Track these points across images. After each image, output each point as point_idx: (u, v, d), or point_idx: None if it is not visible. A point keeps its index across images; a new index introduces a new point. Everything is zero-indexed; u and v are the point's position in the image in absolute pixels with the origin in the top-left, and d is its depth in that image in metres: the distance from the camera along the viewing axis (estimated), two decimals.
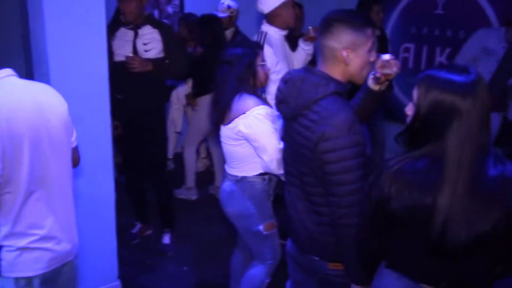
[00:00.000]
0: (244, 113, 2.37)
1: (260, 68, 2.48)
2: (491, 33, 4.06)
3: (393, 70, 1.90)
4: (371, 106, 2.07)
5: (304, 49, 3.45)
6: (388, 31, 5.14)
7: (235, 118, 2.39)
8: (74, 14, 2.60)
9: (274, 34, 3.22)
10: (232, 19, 4.61)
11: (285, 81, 1.88)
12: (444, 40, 4.83)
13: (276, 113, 2.32)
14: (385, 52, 4.50)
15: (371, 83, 2.00)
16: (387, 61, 1.90)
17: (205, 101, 4.13)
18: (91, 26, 2.68)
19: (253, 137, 2.37)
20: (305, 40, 3.41)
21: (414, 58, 5.13)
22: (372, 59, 1.81)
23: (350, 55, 1.74)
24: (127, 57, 3.30)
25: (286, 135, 1.93)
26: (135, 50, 3.37)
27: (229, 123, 2.43)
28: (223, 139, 2.53)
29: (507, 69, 3.96)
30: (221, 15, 4.52)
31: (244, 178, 2.51)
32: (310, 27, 3.34)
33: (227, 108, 2.41)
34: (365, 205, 1.59)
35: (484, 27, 4.18)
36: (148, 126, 3.54)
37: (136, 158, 3.67)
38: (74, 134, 1.97)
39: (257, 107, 2.37)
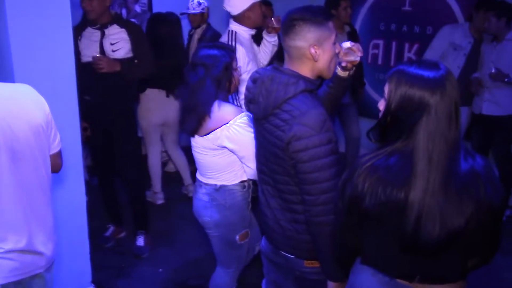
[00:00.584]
0: (226, 123, 2.26)
1: (235, 73, 2.39)
2: (457, 28, 4.16)
3: (357, 55, 1.93)
4: (340, 93, 2.09)
5: (269, 41, 3.41)
6: (357, 27, 5.18)
7: (216, 128, 2.27)
8: (39, 14, 2.54)
9: (243, 33, 3.21)
10: (204, 16, 4.57)
11: (253, 80, 1.86)
12: (413, 36, 4.90)
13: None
14: None
15: (338, 71, 2.01)
16: (349, 48, 1.93)
17: (146, 97, 4.10)
18: (57, 27, 2.62)
19: (238, 148, 2.27)
20: (269, 32, 3.37)
21: (384, 54, 5.19)
22: (337, 50, 1.83)
23: (318, 51, 1.74)
24: (94, 57, 3.24)
25: (257, 135, 1.91)
26: (102, 50, 3.31)
27: (207, 133, 2.29)
28: (198, 149, 2.40)
29: (475, 63, 4.07)
30: (192, 11, 4.49)
31: (223, 186, 2.41)
32: (272, 18, 3.33)
33: (206, 116, 2.27)
34: (339, 202, 1.58)
35: (449, 23, 4.27)
36: (117, 127, 3.48)
37: (107, 159, 3.62)
38: (58, 139, 1.89)
39: (239, 116, 2.27)
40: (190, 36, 4.64)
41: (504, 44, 3.87)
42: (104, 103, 3.40)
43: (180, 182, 4.67)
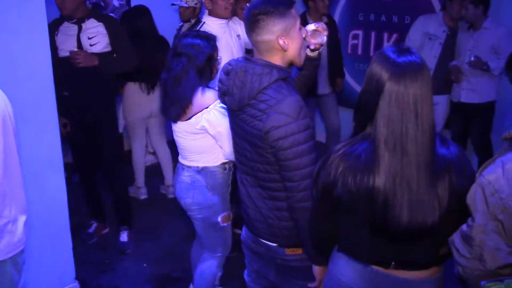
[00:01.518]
0: (207, 107, 2.34)
1: (217, 62, 2.45)
2: (431, 18, 4.19)
3: (323, 36, 1.95)
4: (311, 73, 2.11)
5: None
6: (336, 18, 5.20)
7: (197, 112, 2.34)
8: (13, 8, 2.50)
9: (211, 24, 3.22)
10: (196, 11, 4.39)
11: (226, 72, 1.86)
12: (391, 26, 4.93)
13: None
14: (335, 39, 4.55)
15: (308, 51, 2.02)
16: (314, 30, 1.94)
17: (131, 89, 4.08)
18: (32, 21, 2.59)
19: (217, 130, 2.34)
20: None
21: (363, 45, 5.22)
22: (303, 35, 1.84)
23: (286, 41, 1.75)
24: (71, 51, 3.20)
25: (234, 126, 1.92)
26: (79, 45, 3.27)
27: (189, 118, 2.37)
28: (180, 134, 2.47)
29: (452, 52, 4.11)
30: (183, 4, 4.44)
31: (205, 168, 2.49)
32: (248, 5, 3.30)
33: (190, 104, 2.34)
34: (313, 190, 1.60)
35: (423, 14, 4.30)
36: (97, 122, 3.46)
37: (88, 155, 3.59)
38: None
39: (217, 101, 2.32)
40: (178, 31, 4.59)
41: (480, 32, 3.91)
42: (83, 98, 3.37)
43: (157, 178, 4.64)
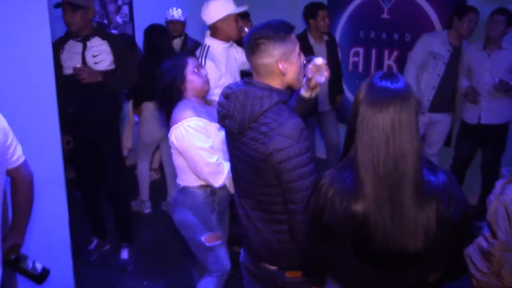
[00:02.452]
0: (176, 123, 2.38)
1: (195, 76, 2.49)
2: (435, 37, 4.16)
3: (323, 76, 1.97)
4: (301, 112, 2.11)
5: None
6: (337, 35, 5.25)
7: (171, 127, 2.42)
8: (18, 27, 2.53)
9: (217, 47, 3.20)
10: (183, 27, 4.62)
11: (226, 96, 1.88)
12: (392, 43, 4.97)
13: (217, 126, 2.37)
14: (335, 56, 4.60)
15: (302, 91, 2.06)
16: (320, 65, 1.97)
17: (148, 109, 4.13)
18: (36, 39, 2.62)
19: (182, 150, 2.39)
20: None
21: (364, 62, 5.25)
22: (302, 60, 1.87)
23: (285, 65, 1.78)
24: (75, 68, 3.23)
25: (234, 150, 1.92)
26: (84, 62, 3.29)
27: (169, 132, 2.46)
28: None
29: (454, 71, 4.09)
30: (177, 18, 4.51)
31: (185, 188, 2.53)
32: (244, 28, 3.29)
33: (166, 119, 2.48)
34: (304, 215, 1.59)
35: (427, 32, 4.30)
36: (101, 139, 3.47)
37: (91, 172, 3.60)
38: (17, 154, 1.93)
39: (189, 119, 2.35)
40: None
41: (499, 53, 3.85)
42: (88, 115, 3.39)
43: (160, 195, 4.65)
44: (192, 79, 2.48)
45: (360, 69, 5.29)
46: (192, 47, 4.35)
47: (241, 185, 1.94)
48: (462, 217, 1.40)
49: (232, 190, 2.32)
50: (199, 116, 2.39)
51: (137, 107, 4.33)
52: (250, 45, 1.79)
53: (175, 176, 4.34)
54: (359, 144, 1.40)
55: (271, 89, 1.78)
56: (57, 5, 3.17)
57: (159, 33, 4.11)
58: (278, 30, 1.77)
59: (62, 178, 2.86)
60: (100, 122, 3.45)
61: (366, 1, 5.09)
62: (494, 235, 1.35)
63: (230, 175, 2.15)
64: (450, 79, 4.09)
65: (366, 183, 1.38)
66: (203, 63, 3.05)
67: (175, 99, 2.46)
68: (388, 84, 1.40)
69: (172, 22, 4.58)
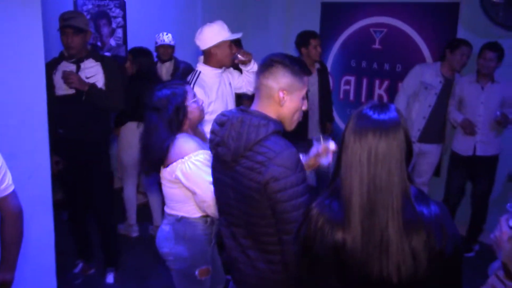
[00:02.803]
0: (182, 158, 2.29)
1: (193, 106, 2.41)
2: (427, 68, 4.22)
3: (327, 161, 2.03)
4: None
5: (246, 69, 3.36)
6: (329, 64, 5.32)
7: (173, 161, 2.31)
8: (12, 47, 2.53)
9: (208, 73, 3.17)
10: (173, 51, 4.66)
11: (220, 123, 1.85)
12: (383, 73, 5.05)
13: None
14: (327, 85, 4.65)
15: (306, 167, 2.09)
16: (330, 150, 2.01)
17: (127, 130, 4.13)
18: (29, 60, 2.62)
19: (190, 184, 2.29)
20: (241, 64, 3.33)
21: (355, 90, 5.32)
22: (304, 107, 1.88)
23: (286, 97, 1.79)
24: (65, 71, 3.22)
25: (225, 178, 1.88)
26: None
27: (167, 166, 2.33)
28: (162, 180, 2.43)
29: (446, 103, 4.15)
30: (167, 43, 4.54)
31: (184, 218, 2.41)
32: (237, 54, 3.28)
33: (165, 154, 2.31)
34: (294, 245, 1.56)
35: (418, 63, 4.39)
36: (90, 161, 3.45)
37: (79, 194, 3.57)
38: (6, 181, 1.85)
39: (196, 153, 2.29)
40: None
41: (493, 85, 3.91)
42: (78, 137, 3.38)
43: (147, 219, 4.58)
44: (192, 110, 2.41)
45: (351, 97, 5.35)
46: (185, 70, 4.39)
47: (233, 214, 1.90)
48: (454, 250, 1.38)
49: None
50: (201, 147, 2.34)
51: (117, 128, 4.27)
52: (264, 64, 1.83)
53: (158, 200, 4.40)
54: (342, 172, 1.40)
55: (267, 118, 1.77)
56: (62, 28, 3.21)
57: (143, 55, 4.14)
58: (296, 64, 1.81)
59: (49, 200, 2.83)
60: (90, 144, 3.43)
61: (358, 31, 5.19)
62: (509, 276, 1.33)
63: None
64: (441, 110, 4.14)
65: (349, 211, 1.37)
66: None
67: (174, 132, 2.34)
68: (372, 113, 1.40)
69: (162, 46, 4.62)
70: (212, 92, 3.14)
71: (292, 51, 4.76)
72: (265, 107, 1.81)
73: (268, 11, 5.85)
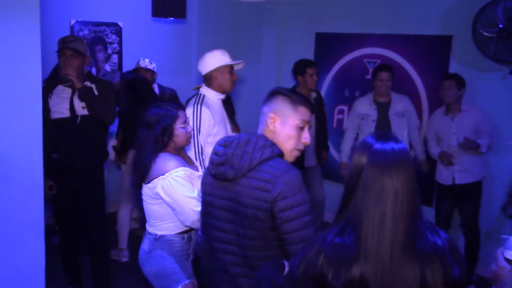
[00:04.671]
0: (163, 175, 2.36)
1: (180, 130, 2.49)
2: (362, 100, 4.51)
3: None
4: None
5: None
6: (323, 93, 5.36)
7: (154, 178, 2.38)
8: (9, 69, 2.52)
9: (212, 97, 3.24)
10: (153, 76, 4.64)
11: (225, 144, 1.89)
12: None
13: (200, 174, 2.41)
14: (322, 113, 4.70)
15: None
16: None
17: (130, 156, 4.10)
18: (26, 83, 2.60)
19: (170, 199, 2.36)
20: None
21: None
22: (304, 140, 1.90)
23: (276, 122, 1.85)
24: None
25: (220, 200, 1.89)
26: (72, 107, 3.29)
27: (149, 182, 2.41)
28: (144, 197, 2.51)
29: (383, 125, 4.32)
30: (151, 67, 4.56)
31: (162, 236, 2.47)
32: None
33: (147, 170, 2.40)
34: (299, 282, 1.47)
35: (407, 92, 4.57)
36: (85, 186, 3.42)
37: (71, 218, 3.52)
38: None
39: (176, 169, 2.37)
40: None
41: (461, 115, 4.05)
42: (72, 162, 3.36)
43: (137, 245, 4.51)
44: (178, 134, 2.49)
45: (345, 126, 5.37)
46: (171, 95, 4.41)
47: (224, 240, 1.88)
48: (466, 278, 1.39)
49: None
50: (183, 165, 2.41)
51: (123, 155, 4.30)
52: (267, 95, 1.92)
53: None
54: (362, 207, 1.37)
55: (273, 142, 1.83)
56: (61, 49, 3.22)
57: (139, 84, 4.16)
58: (294, 95, 1.88)
59: (41, 225, 2.77)
60: (84, 170, 3.40)
61: (351, 62, 5.26)
62: None
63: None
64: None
65: (368, 246, 1.35)
66: (198, 109, 3.10)
67: (157, 151, 2.44)
68: (389, 145, 1.41)
69: (143, 69, 4.58)
70: (216, 115, 3.20)
71: (284, 82, 4.82)
72: (262, 132, 1.87)
73: (261, 42, 5.92)
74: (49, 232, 4.11)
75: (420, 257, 1.35)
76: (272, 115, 1.86)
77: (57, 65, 3.38)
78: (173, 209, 2.38)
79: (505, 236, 1.53)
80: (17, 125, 2.58)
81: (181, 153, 2.58)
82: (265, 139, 1.82)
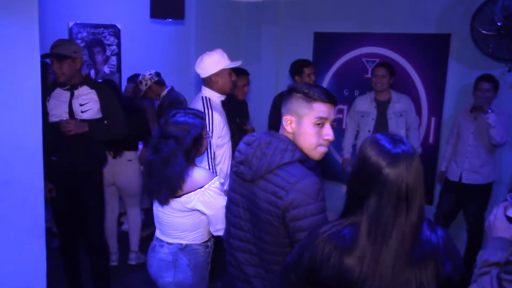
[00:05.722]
0: (201, 187, 2.27)
1: (205, 140, 2.40)
2: (363, 98, 4.52)
3: None
4: None
5: None
6: None
7: (189, 192, 2.27)
8: (8, 73, 2.52)
9: (215, 99, 3.24)
10: (152, 88, 4.47)
11: (247, 142, 1.85)
12: None
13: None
14: None
15: None
16: None
17: (126, 158, 4.14)
18: (25, 86, 2.60)
19: (212, 212, 2.28)
20: None
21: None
22: (327, 137, 1.79)
23: (292, 123, 1.78)
24: (62, 121, 3.22)
25: (241, 198, 1.86)
26: (71, 111, 3.28)
27: (180, 196, 2.29)
28: (164, 210, 2.38)
29: (382, 124, 4.36)
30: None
31: (188, 246, 2.40)
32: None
33: (181, 184, 2.26)
34: (291, 276, 1.51)
35: (409, 91, 4.57)
36: (84, 189, 3.41)
37: (71, 221, 3.50)
38: None
39: (213, 180, 2.30)
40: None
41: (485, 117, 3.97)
42: (71, 164, 3.34)
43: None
44: (203, 143, 2.39)
45: (344, 125, 5.37)
46: (172, 101, 4.38)
47: (242, 238, 1.86)
48: (460, 276, 1.39)
49: None
50: (212, 175, 2.36)
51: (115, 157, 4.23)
52: (286, 90, 1.84)
53: (137, 224, 4.34)
54: (370, 209, 1.38)
55: (295, 145, 1.76)
56: (44, 56, 3.17)
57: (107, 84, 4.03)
58: (309, 89, 1.76)
59: (42, 228, 2.77)
60: (83, 172, 3.39)
61: (350, 61, 5.26)
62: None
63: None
64: (381, 132, 4.23)
65: (364, 244, 1.37)
66: (210, 113, 3.08)
67: (191, 162, 2.32)
68: (403, 147, 1.42)
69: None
70: (223, 116, 3.21)
71: (283, 81, 4.81)
72: (283, 133, 1.81)
73: (260, 42, 5.92)
74: (48, 234, 4.11)
75: (417, 262, 1.36)
76: (287, 116, 1.78)
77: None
78: (211, 220, 2.32)
79: (510, 195, 1.54)
80: (17, 128, 2.58)
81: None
82: (287, 142, 1.76)
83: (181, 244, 2.40)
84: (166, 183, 2.26)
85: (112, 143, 3.93)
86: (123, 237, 4.64)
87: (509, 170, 4.26)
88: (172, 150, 2.26)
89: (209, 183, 2.29)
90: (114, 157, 4.08)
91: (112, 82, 4.32)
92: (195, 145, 2.31)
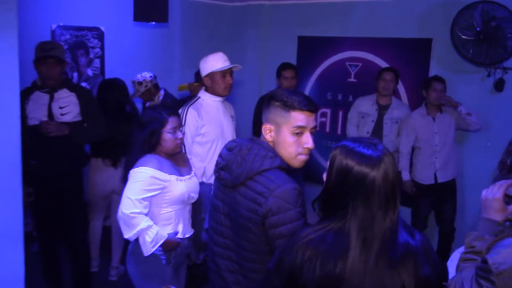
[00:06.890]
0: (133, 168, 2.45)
1: (168, 136, 2.50)
2: (365, 99, 4.54)
3: None
4: None
5: None
6: None
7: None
8: None
9: (207, 99, 3.35)
10: (150, 90, 4.43)
11: (229, 148, 1.86)
12: None
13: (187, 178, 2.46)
14: None
15: None
16: None
17: (91, 169, 3.95)
18: (4, 90, 2.57)
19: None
20: None
21: (331, 122, 5.38)
22: (307, 145, 1.77)
23: (271, 132, 1.77)
24: (42, 122, 3.19)
25: (222, 204, 1.86)
26: (50, 114, 3.26)
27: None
28: None
29: (379, 127, 4.39)
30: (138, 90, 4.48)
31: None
32: None
33: (131, 168, 2.48)
34: (272, 279, 1.51)
35: (363, 96, 4.65)
36: (64, 192, 3.39)
37: (51, 225, 3.47)
38: None
39: (140, 167, 2.41)
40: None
41: (442, 115, 4.14)
42: (51, 168, 3.32)
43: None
44: (166, 139, 2.50)
45: (327, 129, 5.40)
46: (173, 102, 4.36)
47: (224, 245, 1.85)
48: (437, 277, 1.41)
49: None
50: (160, 168, 2.43)
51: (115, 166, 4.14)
52: (265, 98, 1.85)
53: (120, 237, 4.13)
54: (355, 211, 1.40)
55: (275, 153, 1.75)
56: (39, 58, 3.18)
57: (109, 87, 3.98)
58: (289, 98, 1.74)
59: (21, 233, 2.73)
60: (63, 175, 3.37)
61: (334, 65, 5.29)
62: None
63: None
64: (379, 135, 4.35)
65: (354, 248, 1.37)
66: (185, 111, 3.21)
67: (144, 152, 2.49)
68: (376, 151, 1.43)
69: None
70: (207, 115, 3.30)
71: (267, 85, 4.82)
72: (264, 140, 1.81)
73: (244, 46, 5.91)
74: (28, 239, 4.05)
75: (397, 263, 1.37)
76: (267, 125, 1.77)
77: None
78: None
79: None
80: None
81: (175, 157, 2.59)
82: (268, 149, 1.75)
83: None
84: (125, 166, 2.56)
85: (110, 151, 3.85)
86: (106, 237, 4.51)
87: (469, 163, 4.41)
88: (134, 137, 2.53)
89: (139, 167, 2.42)
90: (113, 165, 3.91)
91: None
92: (150, 138, 2.48)
